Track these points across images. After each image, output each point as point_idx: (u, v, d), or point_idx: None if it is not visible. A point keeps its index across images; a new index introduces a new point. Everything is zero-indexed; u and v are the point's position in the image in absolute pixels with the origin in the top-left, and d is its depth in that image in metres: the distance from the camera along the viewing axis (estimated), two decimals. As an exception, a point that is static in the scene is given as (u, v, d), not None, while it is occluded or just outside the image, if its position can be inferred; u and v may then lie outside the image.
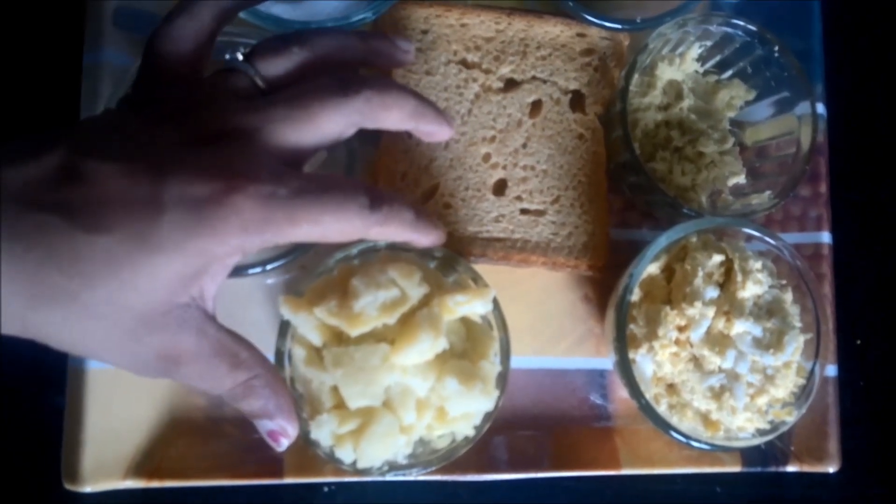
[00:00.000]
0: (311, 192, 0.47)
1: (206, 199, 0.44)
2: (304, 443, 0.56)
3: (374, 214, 0.49)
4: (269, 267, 0.56)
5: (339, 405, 0.56)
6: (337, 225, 0.48)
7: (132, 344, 0.46)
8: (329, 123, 0.49)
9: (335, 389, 0.56)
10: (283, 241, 0.47)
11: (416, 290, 0.56)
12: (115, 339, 0.46)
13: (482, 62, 0.68)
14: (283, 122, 0.48)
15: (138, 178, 0.44)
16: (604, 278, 0.69)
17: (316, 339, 0.56)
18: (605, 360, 0.71)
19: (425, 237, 0.55)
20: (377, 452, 0.56)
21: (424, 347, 0.55)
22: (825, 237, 0.74)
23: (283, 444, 0.54)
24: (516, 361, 0.60)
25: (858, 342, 0.77)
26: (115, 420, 0.62)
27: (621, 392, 0.70)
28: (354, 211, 0.48)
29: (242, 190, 0.44)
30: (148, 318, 0.45)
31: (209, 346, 0.49)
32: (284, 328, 0.58)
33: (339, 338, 0.56)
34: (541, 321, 0.70)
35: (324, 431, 0.55)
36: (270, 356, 0.58)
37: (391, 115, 0.52)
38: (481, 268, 0.64)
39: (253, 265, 0.56)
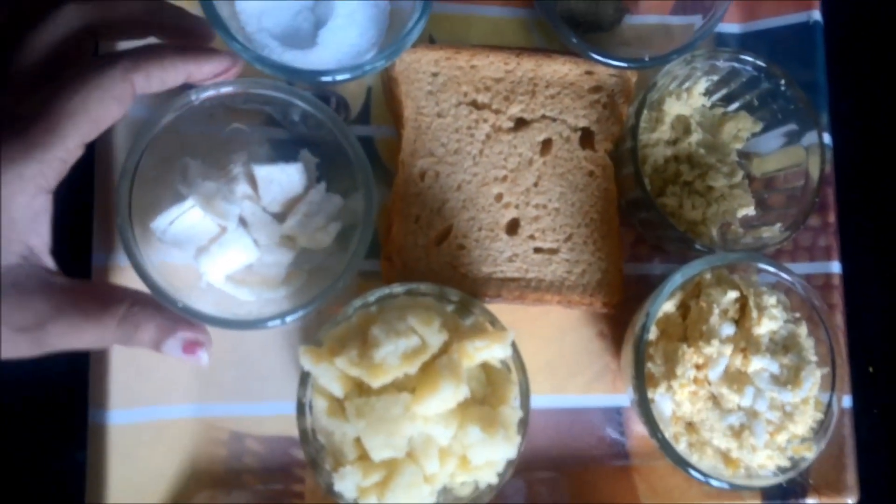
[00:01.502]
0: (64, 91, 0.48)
1: None
2: (328, 494, 0.56)
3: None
4: (288, 319, 0.56)
5: (363, 456, 0.56)
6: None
7: None
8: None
9: (358, 441, 0.55)
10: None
11: (435, 338, 0.56)
12: None
13: (492, 102, 0.69)
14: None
15: None
16: (618, 313, 0.69)
17: (337, 390, 0.56)
18: (622, 397, 0.71)
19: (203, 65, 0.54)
20: (402, 503, 0.55)
21: (446, 396, 0.54)
22: (835, 267, 0.74)
23: (203, 355, 0.55)
24: (534, 401, 0.60)
25: (871, 370, 0.77)
26: (137, 474, 0.62)
27: (639, 427, 0.70)
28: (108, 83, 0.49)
29: None
30: None
31: (65, 298, 0.48)
32: (305, 378, 0.58)
33: (360, 388, 0.56)
34: (557, 359, 0.70)
35: (348, 483, 0.55)
36: (291, 404, 0.58)
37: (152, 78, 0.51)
38: (496, 306, 0.64)
39: (272, 317, 0.56)
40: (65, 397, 0.61)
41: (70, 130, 0.47)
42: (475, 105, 0.69)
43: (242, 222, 0.61)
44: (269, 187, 0.61)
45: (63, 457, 0.66)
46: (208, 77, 0.55)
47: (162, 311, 0.53)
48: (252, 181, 0.61)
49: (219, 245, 0.60)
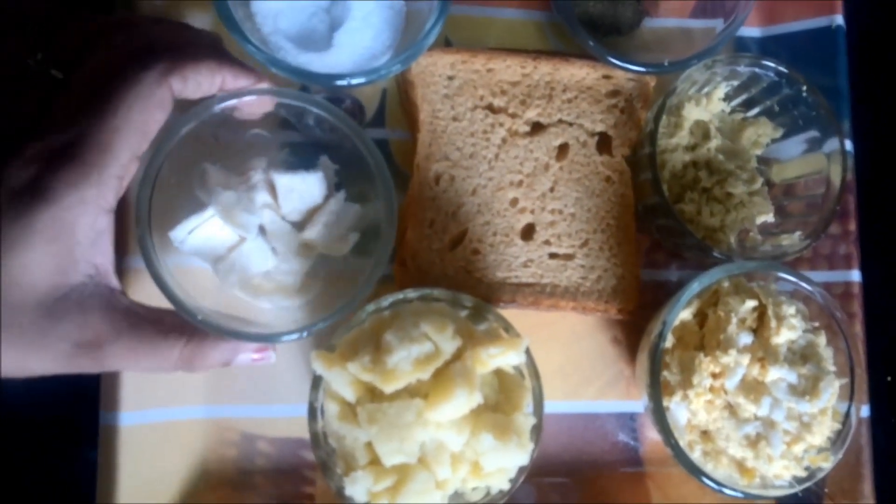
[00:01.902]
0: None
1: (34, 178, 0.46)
2: (339, 498, 0.56)
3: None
4: (305, 334, 0.56)
5: (374, 461, 0.55)
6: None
7: (43, 342, 0.46)
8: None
9: (369, 445, 0.55)
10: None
11: (449, 344, 0.56)
12: (24, 343, 0.46)
13: (508, 106, 0.68)
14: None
15: None
16: (633, 319, 0.69)
17: (349, 394, 0.56)
18: (636, 403, 0.70)
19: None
20: (413, 509, 0.55)
21: (459, 403, 0.54)
22: (855, 275, 0.73)
23: (271, 354, 0.57)
24: (547, 406, 0.60)
25: (889, 379, 0.76)
26: (148, 475, 0.62)
27: (652, 434, 0.70)
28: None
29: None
30: (44, 308, 0.46)
31: (125, 320, 0.49)
32: (317, 382, 0.58)
33: (372, 393, 0.56)
34: (570, 365, 0.70)
35: (359, 488, 0.55)
36: (303, 408, 0.58)
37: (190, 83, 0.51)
38: (510, 311, 0.64)
39: (290, 332, 0.56)
40: (76, 399, 0.61)
41: (121, 146, 0.48)
42: (491, 109, 0.68)
43: (261, 230, 0.61)
44: (289, 196, 0.61)
45: (75, 457, 0.66)
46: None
47: (221, 340, 0.54)
48: (272, 189, 0.60)
49: (237, 254, 0.60)
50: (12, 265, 0.45)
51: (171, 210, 0.58)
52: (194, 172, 0.60)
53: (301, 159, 0.64)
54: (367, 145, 0.58)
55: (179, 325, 0.52)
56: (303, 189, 0.61)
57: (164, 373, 0.52)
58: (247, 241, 0.60)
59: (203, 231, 0.58)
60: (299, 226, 0.62)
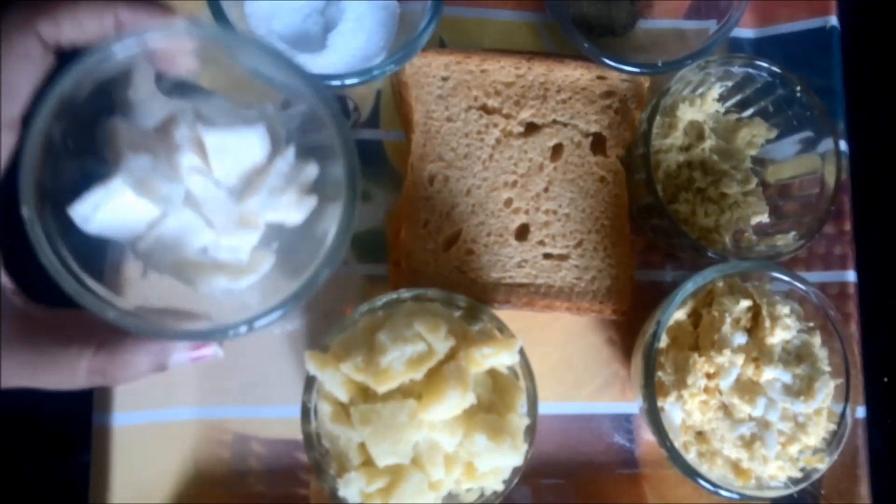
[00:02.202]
0: None
1: None
2: (332, 499, 0.56)
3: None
4: (247, 329, 0.45)
5: (367, 462, 0.55)
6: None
7: None
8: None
9: (363, 446, 0.55)
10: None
11: (442, 344, 0.56)
12: None
13: (502, 107, 0.68)
14: None
15: None
16: (628, 320, 0.69)
17: (342, 395, 0.56)
18: (631, 404, 0.70)
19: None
20: (406, 510, 0.55)
21: (452, 403, 0.54)
22: (850, 276, 0.73)
23: (215, 348, 0.47)
24: (542, 407, 0.60)
25: (885, 380, 0.76)
26: (141, 476, 0.62)
27: (648, 435, 0.69)
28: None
29: None
30: None
31: (16, 328, 0.40)
32: (310, 383, 0.58)
33: (365, 393, 0.56)
34: (565, 366, 0.70)
35: (352, 489, 0.54)
36: (296, 409, 0.57)
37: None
38: (504, 312, 0.63)
39: (233, 326, 0.45)
40: (69, 399, 0.61)
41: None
42: (485, 110, 0.68)
43: (190, 199, 0.48)
44: (221, 157, 0.48)
45: (67, 459, 0.66)
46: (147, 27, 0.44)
47: (143, 341, 0.44)
48: (201, 147, 0.48)
49: (161, 231, 0.47)
50: None
51: (73, 183, 0.45)
52: (100, 132, 0.47)
53: (236, 109, 0.51)
54: (316, 89, 0.48)
55: (87, 329, 0.42)
56: (239, 148, 0.48)
57: (74, 388, 0.42)
58: (169, 214, 0.46)
59: (113, 206, 0.45)
60: (238, 191, 0.50)
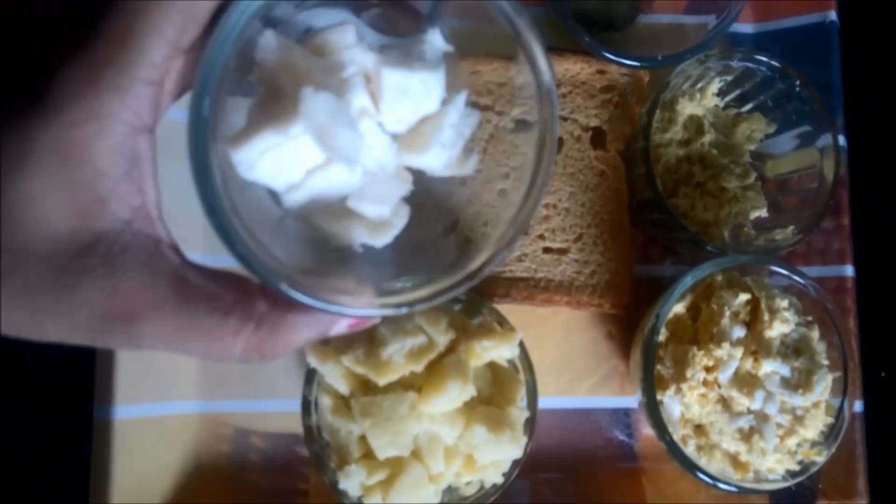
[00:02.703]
0: None
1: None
2: (332, 491, 0.56)
3: None
4: (433, 301, 0.40)
5: (368, 455, 0.55)
6: None
7: (57, 306, 0.34)
8: None
9: (363, 439, 0.55)
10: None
11: (442, 337, 0.56)
12: (35, 304, 0.34)
13: (494, 105, 0.68)
14: None
15: None
16: (627, 314, 0.69)
17: (343, 387, 0.56)
18: (630, 399, 0.70)
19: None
20: (406, 502, 0.55)
21: (453, 395, 0.54)
22: (849, 270, 0.73)
23: (369, 321, 0.42)
24: (541, 401, 0.60)
25: (883, 375, 0.76)
26: (141, 469, 0.62)
27: (647, 430, 0.70)
28: None
29: None
30: (60, 262, 0.34)
31: (172, 289, 0.36)
32: (311, 376, 0.58)
33: (366, 386, 0.56)
34: (564, 360, 0.70)
35: (352, 482, 0.55)
36: (296, 403, 0.58)
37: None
38: (504, 306, 0.64)
39: (417, 302, 0.40)
40: (70, 392, 0.61)
41: (149, 35, 0.33)
42: (477, 107, 0.68)
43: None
44: (398, 101, 0.41)
45: (68, 452, 0.66)
46: None
47: (302, 317, 0.39)
48: (371, 85, 0.41)
49: (317, 178, 0.40)
50: (13, 199, 0.33)
51: (230, 119, 0.39)
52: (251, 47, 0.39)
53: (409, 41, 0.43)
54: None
55: (246, 299, 0.38)
56: (420, 92, 0.41)
57: (225, 361, 0.38)
58: (335, 163, 0.39)
59: (283, 152, 0.38)
60: (402, 140, 0.43)
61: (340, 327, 0.41)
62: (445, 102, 0.43)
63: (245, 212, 0.37)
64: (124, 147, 0.34)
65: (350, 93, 0.39)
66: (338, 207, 0.42)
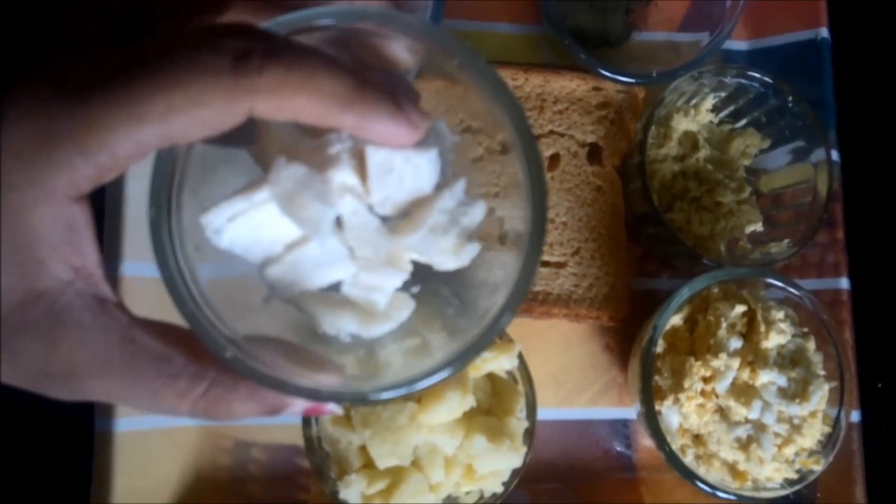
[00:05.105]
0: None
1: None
2: (333, 502, 0.56)
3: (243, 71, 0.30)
4: (398, 392, 0.36)
5: (368, 464, 0.56)
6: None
7: (4, 353, 0.33)
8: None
9: (363, 449, 0.56)
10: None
11: (442, 348, 0.57)
12: None
13: (486, 127, 0.68)
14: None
15: None
16: (625, 327, 0.70)
17: (344, 398, 0.56)
18: (629, 410, 0.71)
19: (374, 123, 0.34)
20: (407, 512, 0.56)
21: (452, 406, 0.55)
22: (843, 283, 0.74)
23: (329, 407, 0.40)
24: (540, 413, 0.61)
25: (880, 385, 0.77)
26: (142, 482, 0.62)
27: (645, 440, 0.70)
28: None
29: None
30: (4, 312, 0.33)
31: (118, 348, 0.35)
32: (311, 387, 0.58)
33: (366, 396, 0.57)
34: (563, 372, 0.70)
35: (353, 491, 0.55)
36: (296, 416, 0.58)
37: (297, 102, 0.32)
38: (503, 320, 0.64)
39: (380, 389, 0.37)
40: (71, 404, 0.61)
41: (121, 127, 0.30)
42: (469, 131, 0.69)
43: (337, 223, 0.39)
44: (384, 180, 0.39)
45: (69, 465, 0.66)
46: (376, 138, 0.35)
47: (255, 391, 0.37)
48: (359, 165, 0.38)
49: (298, 256, 0.39)
50: None
51: (203, 183, 0.38)
52: (247, 127, 0.36)
53: None
54: (500, 91, 0.37)
55: (196, 363, 0.36)
56: (406, 171, 0.39)
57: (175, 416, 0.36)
58: (313, 240, 0.38)
59: (251, 219, 0.37)
60: (392, 224, 0.40)
61: (295, 410, 0.39)
62: (440, 186, 0.40)
63: (221, 280, 0.37)
64: (62, 215, 0.33)
65: (332, 169, 0.37)
66: (327, 294, 0.40)
